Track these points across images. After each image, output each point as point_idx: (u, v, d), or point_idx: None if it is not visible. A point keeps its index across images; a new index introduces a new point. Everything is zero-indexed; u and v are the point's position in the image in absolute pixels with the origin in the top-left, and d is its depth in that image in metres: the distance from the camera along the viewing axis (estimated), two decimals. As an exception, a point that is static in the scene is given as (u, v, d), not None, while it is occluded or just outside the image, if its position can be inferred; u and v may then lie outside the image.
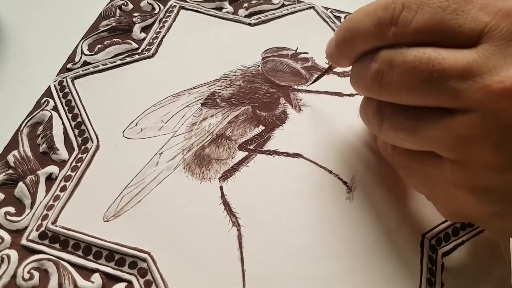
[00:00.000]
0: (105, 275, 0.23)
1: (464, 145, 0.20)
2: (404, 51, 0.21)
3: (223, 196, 0.26)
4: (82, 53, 0.32)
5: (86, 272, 0.24)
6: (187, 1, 0.36)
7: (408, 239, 0.26)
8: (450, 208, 0.24)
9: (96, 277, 0.23)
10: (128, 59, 0.32)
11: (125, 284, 0.23)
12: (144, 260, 0.24)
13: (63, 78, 0.30)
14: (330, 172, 0.28)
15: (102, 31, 0.33)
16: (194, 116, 0.30)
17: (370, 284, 0.24)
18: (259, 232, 0.25)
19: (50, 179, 0.26)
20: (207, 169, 0.27)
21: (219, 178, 0.27)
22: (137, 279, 0.23)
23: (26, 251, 0.24)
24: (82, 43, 0.32)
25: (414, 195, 0.27)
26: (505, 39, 0.19)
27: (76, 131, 0.28)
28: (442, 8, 0.20)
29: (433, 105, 0.21)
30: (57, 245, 0.24)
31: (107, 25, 0.34)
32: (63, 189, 0.26)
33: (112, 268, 0.24)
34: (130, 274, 0.24)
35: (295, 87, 0.32)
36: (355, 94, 0.31)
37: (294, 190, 0.27)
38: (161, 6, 0.35)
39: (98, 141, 0.28)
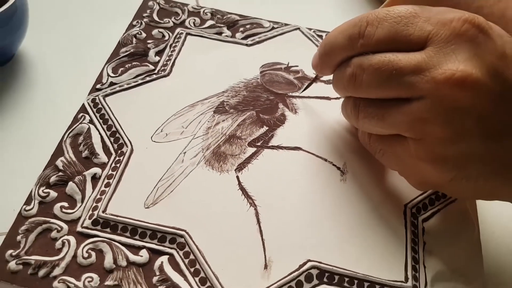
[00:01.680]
0: (150, 250, 0.28)
1: (420, 125, 0.26)
2: (370, 56, 0.27)
3: (239, 183, 0.32)
4: (108, 75, 0.37)
5: (134, 249, 0.28)
6: (191, 29, 0.42)
7: (393, 209, 0.32)
8: (418, 179, 0.30)
9: (143, 252, 0.28)
10: (148, 78, 0.37)
11: (167, 256, 0.28)
12: (182, 236, 0.29)
13: (95, 96, 0.35)
14: (325, 160, 0.34)
15: (123, 57, 0.39)
16: (208, 121, 0.35)
17: (365, 246, 0.30)
18: (272, 210, 0.30)
19: (94, 178, 0.31)
20: (224, 163, 0.33)
21: (235, 170, 0.32)
22: (177, 252, 0.28)
23: (82, 236, 0.29)
24: (107, 67, 0.38)
25: (394, 174, 0.33)
26: (444, 42, 0.26)
27: (112, 139, 0.33)
28: (396, 23, 0.27)
29: (395, 96, 0.27)
30: (108, 229, 0.29)
31: (126, 51, 0.39)
32: (107, 185, 0.31)
33: (156, 244, 0.29)
34: (171, 248, 0.29)
35: (290, 94, 0.37)
36: (340, 98, 0.37)
37: (297, 176, 0.32)
38: (170, 34, 0.41)
39: (131, 146, 0.33)
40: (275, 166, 0.33)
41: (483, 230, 0.33)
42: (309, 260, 0.29)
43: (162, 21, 0.42)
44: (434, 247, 0.30)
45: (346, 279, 0.28)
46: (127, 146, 0.33)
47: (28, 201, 0.30)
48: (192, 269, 0.28)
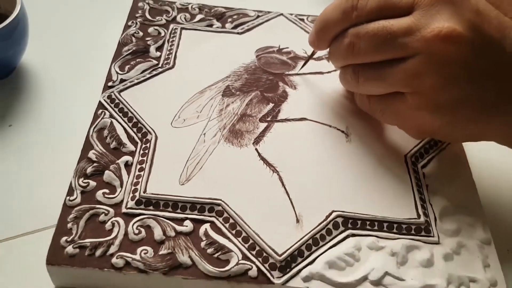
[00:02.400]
0: (193, 221, 0.31)
1: (417, 79, 0.30)
2: (365, 25, 0.32)
3: (259, 154, 0.35)
4: (117, 73, 0.39)
5: (178, 221, 0.31)
6: (184, 24, 0.45)
7: (396, 160, 0.36)
8: (417, 129, 0.34)
9: (187, 223, 0.31)
10: (154, 72, 0.40)
11: (209, 223, 0.31)
12: (219, 204, 0.32)
13: (110, 93, 0.38)
14: (330, 126, 0.37)
15: (126, 55, 0.41)
16: (219, 104, 0.38)
17: (378, 193, 0.34)
18: (291, 173, 0.34)
19: (127, 165, 0.34)
20: (242, 139, 0.36)
21: (252, 143, 0.36)
22: (217, 219, 0.31)
23: (128, 216, 0.31)
24: (114, 66, 0.40)
25: (392, 130, 0.37)
26: (429, 5, 0.30)
27: (135, 129, 0.36)
28: None
29: (391, 57, 0.31)
30: (150, 207, 0.32)
31: (129, 49, 0.41)
32: (141, 169, 0.33)
33: (196, 215, 0.31)
34: (211, 216, 0.32)
35: (287, 73, 0.41)
36: (331, 71, 0.41)
37: (307, 143, 0.36)
38: (165, 30, 0.44)
39: (155, 133, 0.35)
40: (287, 136, 0.36)
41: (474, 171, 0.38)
42: (333, 211, 0.32)
43: (155, 19, 0.45)
44: (436, 188, 0.35)
45: (368, 222, 0.32)
46: (151, 134, 0.35)
47: (70, 192, 0.32)
48: (233, 231, 0.31)
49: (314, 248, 0.31)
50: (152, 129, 0.36)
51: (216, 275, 0.29)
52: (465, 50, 0.29)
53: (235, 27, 0.45)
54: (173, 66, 0.41)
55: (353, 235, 0.32)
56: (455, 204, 0.34)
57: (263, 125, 0.37)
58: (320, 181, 0.34)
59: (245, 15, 0.46)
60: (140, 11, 0.45)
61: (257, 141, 0.36)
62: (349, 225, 0.32)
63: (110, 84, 0.39)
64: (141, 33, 0.43)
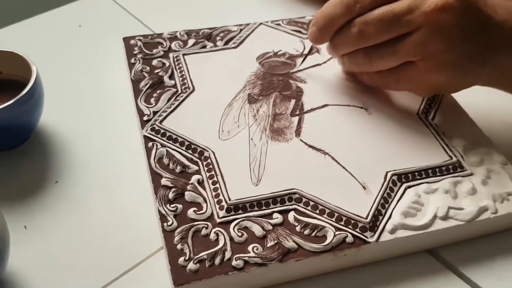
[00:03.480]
0: (279, 213, 0.35)
1: (424, 47, 0.37)
2: (371, 13, 0.37)
3: (306, 143, 0.39)
4: (147, 107, 0.41)
5: (268, 216, 0.34)
6: (181, 50, 0.47)
7: (411, 119, 0.42)
8: (427, 89, 0.40)
9: (276, 215, 0.34)
10: (180, 98, 0.42)
11: (293, 211, 0.35)
12: (295, 193, 0.36)
13: (153, 125, 0.40)
14: (349, 105, 0.43)
15: (146, 90, 0.43)
16: (250, 111, 0.42)
17: (411, 145, 0.39)
18: (339, 150, 0.39)
19: (200, 183, 0.36)
20: (285, 134, 0.40)
21: (295, 136, 0.40)
22: (298, 205, 0.35)
23: (225, 224, 0.34)
24: (140, 102, 0.42)
25: (396, 96, 0.43)
26: None
27: (190, 151, 0.38)
28: None
29: (399, 34, 0.37)
30: (240, 211, 0.34)
31: (146, 84, 0.43)
32: (215, 183, 0.36)
33: (280, 206, 0.35)
34: (292, 204, 0.35)
35: (291, 71, 0.46)
36: (326, 61, 0.47)
37: (338, 123, 0.41)
38: (168, 60, 0.46)
39: (210, 149, 0.38)
40: (319, 122, 0.41)
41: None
42: (387, 172, 0.37)
43: (154, 52, 0.47)
44: (450, 133, 0.41)
45: (416, 173, 0.38)
46: (207, 151, 0.38)
47: (164, 219, 0.34)
48: (317, 211, 0.35)
49: (386, 205, 0.36)
50: (206, 147, 0.38)
51: (322, 249, 0.33)
52: (456, 15, 0.36)
53: (227, 43, 0.49)
54: (193, 89, 0.43)
55: (409, 186, 0.37)
56: (470, 141, 0.41)
57: (295, 119, 0.41)
58: (364, 151, 0.39)
59: (229, 31, 0.50)
60: (136, 48, 0.47)
61: (298, 133, 0.40)
62: (403, 180, 0.37)
63: (145, 118, 0.41)
64: (148, 67, 0.45)
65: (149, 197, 0.37)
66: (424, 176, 0.38)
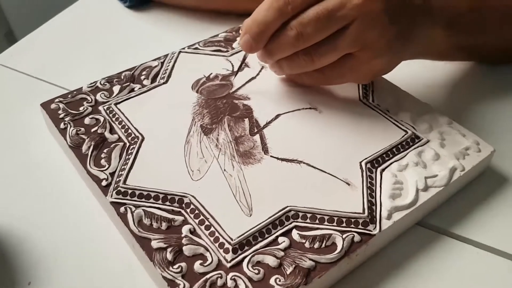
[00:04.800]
0: (283, 234, 0.33)
1: (362, 37, 0.37)
2: (305, 14, 0.37)
3: (277, 158, 0.38)
4: (101, 171, 0.37)
5: (275, 242, 0.33)
6: (109, 101, 0.43)
7: (356, 105, 0.42)
8: (368, 76, 0.41)
9: (282, 239, 0.33)
10: (133, 151, 0.39)
11: (295, 228, 0.33)
12: (290, 210, 0.34)
13: (116, 188, 0.36)
14: (299, 109, 0.42)
15: (91, 154, 0.38)
16: (210, 143, 0.39)
17: (368, 135, 0.40)
18: (309, 155, 0.38)
19: (193, 232, 0.33)
20: (254, 155, 0.38)
21: (264, 154, 0.38)
22: (296, 221, 0.34)
23: (238, 266, 0.31)
24: (90, 167, 0.37)
25: (336, 89, 0.44)
26: None
27: (167, 202, 0.35)
28: None
29: (336, 29, 0.37)
30: (246, 247, 0.32)
31: (88, 147, 0.39)
32: (208, 227, 0.33)
33: (282, 228, 0.33)
34: (292, 222, 0.34)
35: (231, 91, 0.44)
36: (259, 72, 0.46)
37: (297, 128, 0.40)
38: (99, 114, 0.42)
39: (187, 194, 0.35)
40: (280, 134, 0.40)
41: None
42: (360, 162, 0.37)
43: (81, 111, 0.42)
44: (394, 110, 0.42)
45: (384, 155, 0.38)
46: (186, 197, 0.35)
47: (172, 284, 0.30)
48: (317, 220, 0.34)
49: (373, 194, 0.36)
50: (184, 193, 0.35)
51: (337, 257, 0.32)
52: (383, 3, 0.37)
53: (154, 80, 0.45)
54: (143, 137, 0.40)
55: (383, 170, 0.38)
56: (414, 112, 0.42)
57: (257, 137, 0.40)
58: (331, 148, 0.39)
59: (151, 67, 0.47)
60: (60, 112, 0.42)
61: (265, 150, 0.38)
62: (376, 165, 0.38)
63: (104, 183, 0.36)
64: (82, 129, 0.40)
65: (137, 268, 0.33)
66: (391, 156, 0.38)
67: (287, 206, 0.34)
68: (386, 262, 0.35)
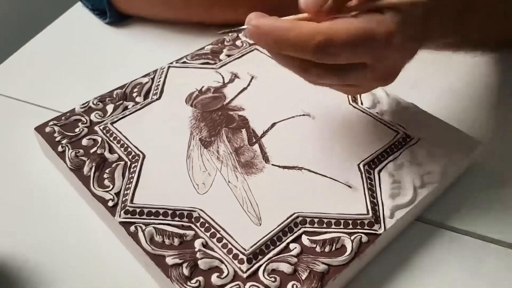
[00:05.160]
0: (294, 241, 0.34)
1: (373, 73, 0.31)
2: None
3: (279, 166, 0.39)
4: (107, 192, 0.37)
5: (287, 249, 0.33)
6: (104, 120, 0.43)
7: (347, 110, 0.44)
8: (371, 89, 0.36)
9: (293, 245, 0.33)
10: (136, 169, 0.38)
11: (303, 234, 0.34)
12: (298, 217, 0.35)
13: (124, 208, 0.35)
14: (293, 116, 0.43)
15: (93, 175, 0.38)
16: (211, 156, 0.39)
17: (363, 136, 0.41)
18: (308, 160, 0.39)
19: (206, 246, 0.33)
20: (256, 165, 0.39)
21: (266, 163, 0.39)
22: (304, 226, 0.35)
23: (254, 275, 0.32)
24: (94, 189, 0.37)
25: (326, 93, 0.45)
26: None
27: (176, 218, 0.35)
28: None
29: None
30: (260, 257, 0.33)
31: (90, 168, 0.38)
32: (220, 239, 0.34)
33: (292, 235, 0.34)
34: (300, 228, 0.34)
35: (225, 103, 0.44)
36: (250, 82, 0.46)
37: (294, 135, 0.41)
38: (97, 134, 0.41)
39: (195, 208, 0.35)
40: (278, 142, 0.41)
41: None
42: (358, 164, 0.39)
43: (77, 132, 0.42)
44: (381, 110, 0.44)
45: (379, 157, 0.40)
46: (194, 211, 0.35)
47: (193, 299, 0.31)
48: (324, 225, 0.35)
49: (375, 195, 0.37)
50: (192, 207, 0.35)
51: (348, 259, 0.33)
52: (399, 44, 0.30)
53: (146, 96, 0.45)
54: (144, 155, 0.40)
55: (380, 170, 0.39)
56: (402, 113, 0.44)
57: (256, 147, 0.40)
58: (328, 153, 0.40)
59: (141, 83, 0.47)
60: (56, 135, 0.41)
61: (266, 159, 0.39)
62: (373, 166, 0.39)
63: (111, 204, 0.36)
64: (81, 150, 0.40)
65: (150, 287, 0.33)
66: (386, 156, 0.40)
67: (294, 213, 0.35)
68: (391, 258, 0.36)
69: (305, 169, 0.38)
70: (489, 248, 0.37)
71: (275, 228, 0.34)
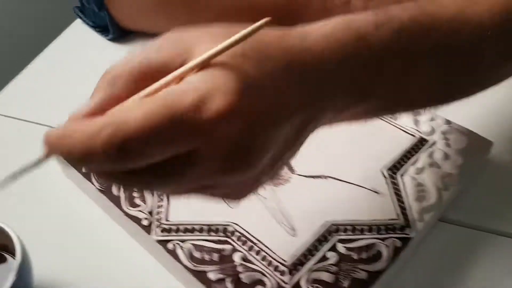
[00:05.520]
0: (331, 250, 0.34)
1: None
2: None
3: (304, 175, 0.39)
4: (139, 211, 0.37)
5: (325, 259, 0.34)
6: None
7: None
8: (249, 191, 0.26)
9: (330, 254, 0.34)
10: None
11: (339, 242, 0.35)
12: (332, 225, 0.35)
13: (159, 226, 0.35)
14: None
15: (124, 195, 0.38)
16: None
17: (384, 143, 0.42)
18: (331, 169, 0.39)
19: (246, 260, 0.34)
20: (282, 176, 0.39)
21: (291, 173, 0.39)
22: (339, 234, 0.35)
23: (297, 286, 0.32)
24: (127, 209, 0.37)
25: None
26: None
27: (212, 233, 0.35)
28: None
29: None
30: (300, 266, 0.33)
31: (119, 188, 0.38)
32: (258, 252, 0.34)
33: (329, 244, 0.35)
34: (335, 235, 0.35)
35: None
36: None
37: (310, 145, 0.42)
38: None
39: (230, 222, 0.35)
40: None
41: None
42: (381, 170, 0.39)
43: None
44: (395, 116, 0.45)
45: (400, 161, 0.41)
46: (229, 226, 0.35)
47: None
48: (357, 232, 0.35)
49: (401, 199, 0.38)
50: (227, 222, 0.36)
51: (386, 264, 0.34)
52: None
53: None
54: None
55: (402, 174, 0.40)
56: (415, 117, 0.45)
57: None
58: (349, 160, 0.40)
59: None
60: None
61: (291, 169, 0.40)
62: (395, 170, 0.40)
63: (145, 223, 0.36)
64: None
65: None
66: (406, 160, 0.41)
67: (327, 221, 0.36)
68: (423, 260, 0.37)
69: (330, 177, 0.39)
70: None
71: (311, 239, 0.35)
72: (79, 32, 0.63)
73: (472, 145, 0.42)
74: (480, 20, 0.28)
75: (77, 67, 0.57)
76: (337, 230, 0.35)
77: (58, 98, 0.53)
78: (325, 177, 0.39)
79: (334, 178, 0.39)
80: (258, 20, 0.21)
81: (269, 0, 0.56)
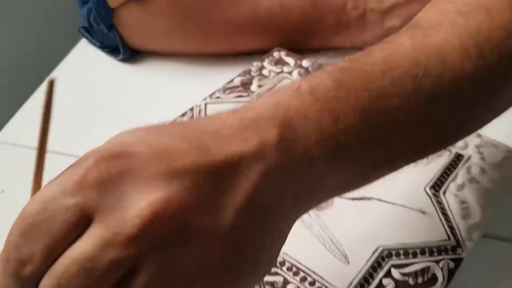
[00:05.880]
0: (386, 276, 0.33)
1: None
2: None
3: (347, 198, 0.38)
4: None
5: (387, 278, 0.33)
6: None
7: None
8: None
9: (387, 281, 0.33)
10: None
11: (395, 268, 0.34)
12: (383, 250, 0.34)
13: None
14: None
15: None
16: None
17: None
18: (373, 191, 0.38)
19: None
20: (324, 200, 0.38)
21: (333, 196, 0.38)
22: (390, 259, 0.34)
23: None
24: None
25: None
26: None
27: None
28: None
29: None
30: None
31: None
32: (312, 283, 0.32)
33: (383, 269, 0.33)
34: (388, 261, 0.34)
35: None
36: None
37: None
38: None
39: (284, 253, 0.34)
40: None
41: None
42: (424, 189, 0.38)
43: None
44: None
45: (441, 178, 0.40)
46: (281, 257, 0.34)
47: None
48: (409, 255, 0.34)
49: (448, 217, 0.37)
50: (275, 252, 0.34)
51: (443, 286, 0.32)
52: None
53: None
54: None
55: (444, 192, 0.39)
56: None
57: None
58: (388, 178, 0.39)
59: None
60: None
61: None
62: (437, 188, 0.39)
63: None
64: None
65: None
66: (446, 177, 0.40)
67: (379, 247, 0.34)
68: (474, 280, 0.36)
69: (374, 198, 0.38)
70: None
71: (364, 266, 0.33)
72: (86, 53, 0.60)
73: (504, 158, 0.42)
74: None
75: (88, 90, 0.55)
76: (389, 255, 0.34)
77: (74, 125, 0.50)
78: (369, 198, 0.38)
79: (379, 200, 0.38)
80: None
81: (282, 16, 0.55)
